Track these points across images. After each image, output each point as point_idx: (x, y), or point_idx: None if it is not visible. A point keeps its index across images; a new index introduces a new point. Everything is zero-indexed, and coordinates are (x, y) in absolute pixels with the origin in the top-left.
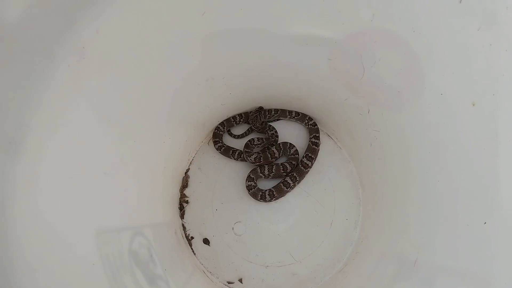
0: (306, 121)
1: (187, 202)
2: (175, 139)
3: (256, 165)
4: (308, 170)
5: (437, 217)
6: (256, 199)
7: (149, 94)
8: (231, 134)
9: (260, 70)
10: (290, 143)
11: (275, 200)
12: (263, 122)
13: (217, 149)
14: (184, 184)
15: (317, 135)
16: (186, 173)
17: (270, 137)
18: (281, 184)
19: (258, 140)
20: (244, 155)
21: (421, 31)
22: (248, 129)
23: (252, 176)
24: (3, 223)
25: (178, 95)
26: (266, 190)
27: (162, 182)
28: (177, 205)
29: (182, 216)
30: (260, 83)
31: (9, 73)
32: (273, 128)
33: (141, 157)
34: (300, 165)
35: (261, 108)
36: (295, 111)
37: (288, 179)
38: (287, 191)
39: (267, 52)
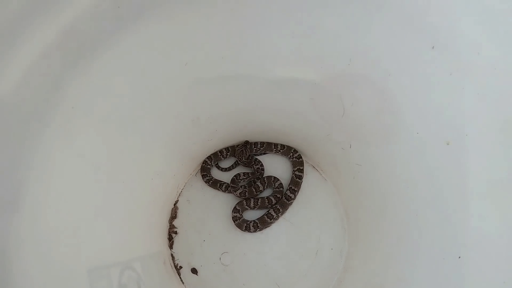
0: (291, 154)
1: (176, 232)
2: (164, 175)
3: (242, 198)
4: (292, 202)
5: (415, 250)
6: (241, 229)
7: (136, 137)
8: (218, 167)
9: (244, 109)
10: (275, 177)
11: (259, 231)
12: (249, 156)
13: (205, 182)
14: (173, 215)
15: (301, 168)
16: (175, 204)
17: (256, 172)
18: (265, 216)
19: (244, 175)
20: (231, 189)
21: (396, 75)
22: (235, 162)
23: (238, 208)
24: (9, 270)
25: (165, 134)
26: (250, 222)
27: (151, 215)
28: (166, 235)
29: (171, 246)
30: (245, 121)
31: (3, 139)
32: (259, 161)
33: (130, 195)
34: (284, 198)
35: (246, 142)
36: (281, 144)
37: (272, 211)
38: (271, 223)
39: (249, 94)
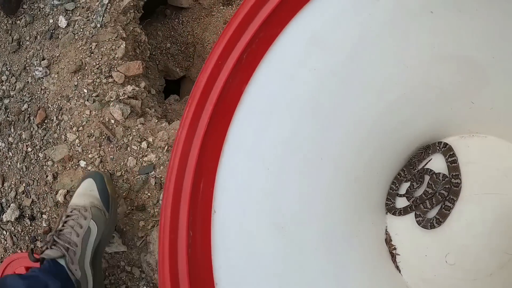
0: (438, 148)
1: (395, 248)
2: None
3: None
4: (461, 186)
5: None
6: (428, 229)
7: None
8: (400, 196)
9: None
10: (436, 173)
11: (442, 224)
12: (421, 169)
13: (398, 215)
14: (389, 239)
15: (451, 153)
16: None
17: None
18: (443, 209)
19: (414, 186)
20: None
21: None
22: (409, 182)
23: (418, 213)
24: None
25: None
26: (433, 219)
27: None
28: None
29: (394, 261)
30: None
31: None
32: (426, 170)
33: None
34: (453, 187)
35: (428, 146)
36: (423, 147)
37: (447, 202)
38: (449, 213)
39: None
